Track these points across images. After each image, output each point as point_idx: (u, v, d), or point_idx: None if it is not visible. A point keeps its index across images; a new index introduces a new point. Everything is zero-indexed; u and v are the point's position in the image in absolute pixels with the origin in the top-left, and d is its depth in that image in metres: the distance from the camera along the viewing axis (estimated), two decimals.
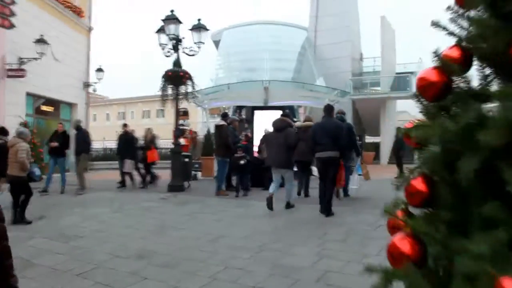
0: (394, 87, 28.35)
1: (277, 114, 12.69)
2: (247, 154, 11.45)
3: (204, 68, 28.13)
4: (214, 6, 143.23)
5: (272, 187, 8.74)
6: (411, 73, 28.00)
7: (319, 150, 7.99)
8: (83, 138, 11.65)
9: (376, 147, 29.35)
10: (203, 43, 12.08)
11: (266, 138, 9.83)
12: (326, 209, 7.84)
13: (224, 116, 12.17)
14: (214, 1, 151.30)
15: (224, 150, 11.05)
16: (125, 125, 13.13)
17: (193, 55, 12.05)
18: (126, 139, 12.72)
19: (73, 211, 8.77)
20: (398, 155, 16.06)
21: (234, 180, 11.82)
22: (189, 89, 12.00)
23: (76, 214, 8.44)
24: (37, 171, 8.28)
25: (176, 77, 11.57)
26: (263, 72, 22.00)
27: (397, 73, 29.82)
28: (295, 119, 21.54)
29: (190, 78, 11.81)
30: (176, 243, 6.17)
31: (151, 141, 13.08)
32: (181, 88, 11.97)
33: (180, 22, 11.67)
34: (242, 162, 11.04)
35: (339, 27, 28.75)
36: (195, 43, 12.03)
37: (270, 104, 16.20)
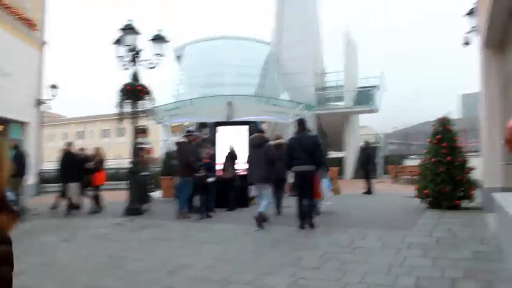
0: (357, 101, 28.37)
1: (242, 130, 12.20)
2: (209, 172, 10.78)
3: (165, 84, 27.42)
4: (176, 21, 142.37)
5: (260, 205, 8.72)
6: (374, 87, 28.18)
7: (296, 164, 8.06)
8: (19, 159, 10.66)
9: (340, 162, 29.11)
10: (163, 55, 11.40)
11: (248, 155, 9.65)
12: (309, 223, 7.95)
13: (187, 133, 11.48)
14: (176, 16, 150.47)
15: (186, 169, 10.33)
16: (69, 144, 12.07)
17: (152, 67, 11.34)
18: (68, 160, 11.66)
19: (14, 242, 7.79)
20: (367, 169, 15.68)
21: (196, 200, 11.09)
22: (148, 105, 11.22)
23: (18, 245, 7.48)
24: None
25: (133, 92, 10.82)
26: (226, 88, 21.51)
27: (359, 87, 29.94)
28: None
29: (148, 92, 11.07)
30: (130, 277, 5.40)
31: (100, 162, 12.11)
32: (140, 104, 11.20)
33: (138, 33, 10.96)
34: (210, 180, 10.39)
35: (302, 41, 28.70)
36: (154, 55, 11.33)
37: (234, 120, 15.63)
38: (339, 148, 30.77)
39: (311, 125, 28.44)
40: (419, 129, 77.00)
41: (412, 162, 23.07)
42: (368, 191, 15.38)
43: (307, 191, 8.09)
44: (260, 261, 5.90)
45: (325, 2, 63.60)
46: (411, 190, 10.41)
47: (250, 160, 9.36)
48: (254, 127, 18.46)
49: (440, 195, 9.53)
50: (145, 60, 11.26)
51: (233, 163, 11.13)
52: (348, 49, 28.65)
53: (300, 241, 6.96)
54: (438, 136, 10.06)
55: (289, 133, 19.13)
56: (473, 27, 11.78)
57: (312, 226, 7.93)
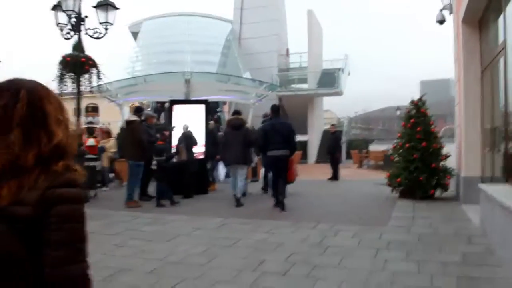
0: (321, 83, 27.61)
1: (200, 109, 11.14)
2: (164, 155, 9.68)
3: (122, 61, 25.76)
4: None
5: (234, 186, 9.13)
6: (338, 69, 27.50)
7: (271, 149, 8.40)
8: None
9: (303, 146, 28.41)
10: (111, 23, 10.09)
11: (225, 136, 9.57)
12: (279, 201, 8.35)
13: (138, 110, 10.26)
14: None
15: (136, 152, 9.18)
16: None
17: (98, 37, 10.02)
18: None
19: None
20: (334, 157, 14.84)
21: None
22: (94, 80, 9.95)
23: None
24: None
25: (76, 64, 9.48)
26: (185, 66, 20.12)
27: (324, 70, 29.21)
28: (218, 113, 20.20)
29: (94, 65, 9.77)
30: None
31: None
32: (85, 79, 9.89)
33: None
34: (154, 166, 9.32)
35: (265, 20, 27.62)
36: (101, 23, 10.02)
37: (193, 98, 14.51)
38: (302, 131, 30.07)
39: (278, 105, 27.49)
40: (378, 114, 78.01)
41: (376, 147, 22.68)
42: (335, 177, 14.66)
43: (282, 174, 8.49)
44: (215, 264, 4.92)
45: None
46: (377, 176, 9.73)
47: (226, 141, 9.34)
48: (214, 106, 17.53)
49: (414, 183, 8.82)
50: (91, 29, 9.93)
51: (189, 146, 10.05)
52: (312, 30, 27.77)
53: (263, 239, 6.01)
54: (412, 120, 9.32)
55: (250, 114, 18.22)
56: (447, 4, 11.07)
57: (283, 208, 8.20)
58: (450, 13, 10.52)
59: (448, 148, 9.67)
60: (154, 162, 9.30)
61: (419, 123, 9.21)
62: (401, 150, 9.30)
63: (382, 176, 9.73)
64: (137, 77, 15.88)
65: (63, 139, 1.25)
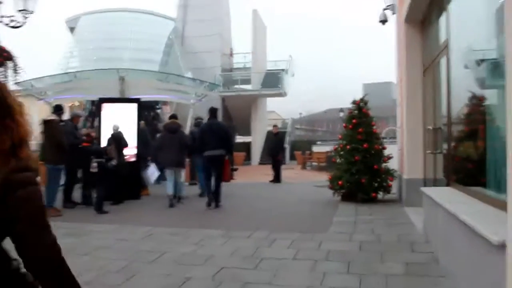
0: (265, 84, 27.26)
1: (131, 107, 10.39)
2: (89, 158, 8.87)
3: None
4: None
5: (170, 187, 9.07)
6: (282, 70, 27.26)
7: (208, 149, 8.68)
8: None
9: (247, 147, 28.00)
10: (30, 12, 9.12)
11: (161, 139, 9.65)
12: (216, 201, 8.69)
13: (57, 109, 9.31)
14: None
15: (55, 154, 8.30)
16: None
17: (15, 27, 9.04)
18: None
19: None
20: (277, 158, 14.41)
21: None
22: (10, 75, 8.92)
23: None
24: None
25: None
26: (124, 63, 19.08)
27: (268, 70, 28.91)
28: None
29: (10, 58, 8.75)
30: None
31: None
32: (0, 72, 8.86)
33: None
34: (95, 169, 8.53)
35: (209, 19, 26.94)
36: (19, 11, 9.04)
37: (130, 97, 13.67)
38: (246, 132, 29.64)
39: (216, 107, 26.89)
40: (322, 116, 79.18)
41: (320, 148, 22.61)
42: (276, 179, 14.25)
43: (216, 173, 8.78)
44: (132, 284, 4.27)
45: None
46: (320, 177, 9.40)
47: (162, 145, 9.41)
48: (152, 105, 16.68)
49: (355, 186, 8.50)
50: (6, 17, 8.93)
51: (119, 147, 9.24)
52: (256, 30, 27.37)
53: (191, 251, 5.39)
54: (354, 120, 9.02)
55: (189, 114, 17.53)
56: (390, 4, 10.92)
57: (217, 204, 8.64)
58: (393, 13, 10.35)
59: (390, 150, 9.46)
60: (95, 165, 8.54)
61: (361, 124, 8.93)
62: (342, 152, 8.97)
63: (324, 178, 9.37)
64: (67, 73, 14.71)
65: (27, 127, 1.43)
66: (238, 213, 8.22)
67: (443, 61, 6.49)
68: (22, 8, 9.02)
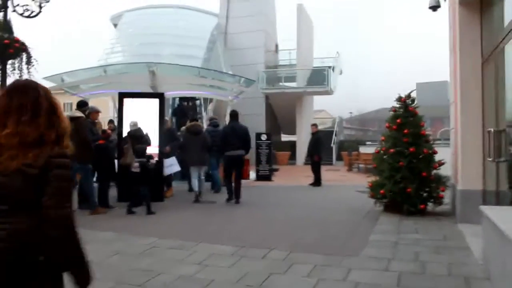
0: (311, 82, 26.04)
1: (152, 103, 9.65)
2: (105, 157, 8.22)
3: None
4: None
5: (196, 184, 9.69)
6: (329, 67, 25.95)
7: (229, 150, 9.38)
8: None
9: (291, 146, 26.91)
10: (46, 1, 8.55)
11: (185, 140, 10.19)
12: (236, 197, 9.40)
13: (81, 105, 8.70)
14: None
15: (82, 152, 7.62)
16: None
17: (29, 16, 8.49)
18: None
19: None
20: (313, 160, 13.26)
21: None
22: (25, 67, 8.40)
23: None
24: None
25: (0, 46, 7.93)
26: (166, 59, 18.48)
27: (314, 68, 27.66)
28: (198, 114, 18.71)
29: (22, 49, 8.22)
30: None
31: None
32: (14, 64, 8.36)
33: None
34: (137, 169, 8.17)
35: (252, 14, 26.08)
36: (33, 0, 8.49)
37: (166, 93, 13.01)
38: (291, 131, 28.57)
39: (260, 105, 26.19)
40: (374, 116, 76.69)
41: (367, 149, 21.16)
42: (316, 183, 13.13)
43: (237, 171, 9.52)
44: None
45: None
46: (366, 181, 8.28)
47: (187, 145, 9.90)
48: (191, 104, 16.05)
49: (400, 196, 7.30)
50: (20, 6, 8.38)
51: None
52: (302, 26, 26.15)
53: (190, 274, 4.44)
54: (398, 120, 7.79)
55: (227, 112, 16.69)
56: None
57: (238, 200, 9.36)
58: None
59: (444, 154, 8.15)
60: (136, 164, 8.09)
61: (407, 124, 7.69)
62: (385, 156, 7.77)
63: (370, 180, 8.22)
64: (97, 67, 14.13)
65: (67, 123, 1.91)
66: (259, 224, 7.20)
67: (509, 48, 5.26)
68: None
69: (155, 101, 9.55)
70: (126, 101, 9.48)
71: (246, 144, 9.46)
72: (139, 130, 8.52)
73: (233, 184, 9.51)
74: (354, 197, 10.24)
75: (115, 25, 26.63)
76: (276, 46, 29.45)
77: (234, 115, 9.94)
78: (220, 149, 9.82)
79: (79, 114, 8.12)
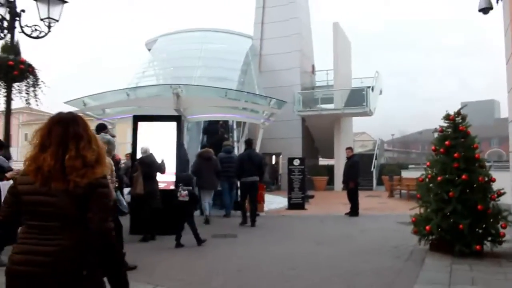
0: (349, 103, 24.84)
1: (170, 126, 8.87)
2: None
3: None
4: (154, 13, 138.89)
5: (207, 208, 10.47)
6: (368, 87, 24.72)
7: (245, 176, 10.03)
8: None
9: (329, 170, 25.63)
10: (56, 20, 8.00)
11: (198, 165, 10.60)
12: (252, 220, 9.87)
13: (100, 129, 8.00)
14: (154, 8, 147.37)
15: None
16: None
17: (38, 37, 7.94)
18: None
19: None
20: (349, 187, 12.07)
21: None
22: (32, 89, 7.83)
23: None
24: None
25: (4, 67, 7.38)
26: (200, 82, 17.92)
27: (352, 88, 26.48)
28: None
29: (28, 71, 7.65)
30: None
31: None
32: (21, 87, 7.80)
33: None
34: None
35: (287, 35, 25.41)
36: (41, 19, 7.95)
37: (189, 117, 12.29)
38: (329, 154, 27.34)
39: (296, 128, 25.21)
40: (417, 137, 73.98)
41: (410, 173, 19.68)
42: (353, 212, 11.92)
43: (253, 196, 10.10)
44: None
45: None
46: (408, 209, 7.09)
47: (199, 170, 10.39)
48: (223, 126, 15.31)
49: (450, 233, 6.09)
50: (28, 26, 7.85)
51: (148, 174, 7.67)
52: (338, 45, 25.13)
53: None
54: (447, 142, 6.61)
55: (259, 136, 15.87)
56: None
57: (254, 225, 9.80)
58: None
59: (501, 180, 6.83)
60: (185, 193, 7.46)
61: (457, 146, 6.51)
62: (431, 185, 6.59)
63: (414, 211, 6.99)
64: (116, 90, 13.61)
65: (103, 148, 2.18)
66: (271, 270, 6.06)
67: None
68: (45, 16, 7.89)
69: (171, 125, 8.76)
70: (141, 124, 8.73)
71: (260, 171, 10.20)
72: (150, 156, 7.72)
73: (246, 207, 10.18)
74: (394, 230, 9.01)
75: (150, 50, 26.58)
76: (313, 66, 28.57)
77: (249, 143, 10.90)
78: (237, 175, 10.44)
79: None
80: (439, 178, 6.38)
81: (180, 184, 7.57)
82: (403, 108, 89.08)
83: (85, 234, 1.93)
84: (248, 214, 10.07)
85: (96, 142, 2.11)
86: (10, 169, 6.24)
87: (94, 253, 1.96)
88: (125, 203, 9.72)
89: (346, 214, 11.94)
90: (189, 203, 7.54)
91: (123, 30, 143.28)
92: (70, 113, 2.18)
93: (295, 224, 10.64)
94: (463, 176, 6.17)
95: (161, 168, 7.87)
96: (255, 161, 10.13)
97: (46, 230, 1.93)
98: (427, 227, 6.28)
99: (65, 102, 12.03)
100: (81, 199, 1.94)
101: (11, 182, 5.71)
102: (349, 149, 12.48)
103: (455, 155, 6.38)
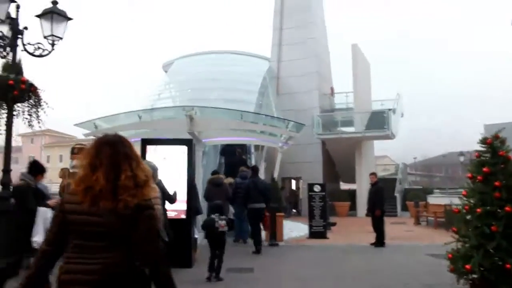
0: (370, 126, 24.09)
1: (180, 149, 8.33)
2: None
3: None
4: (170, 35, 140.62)
5: None
6: (389, 110, 23.98)
7: (251, 202, 10.32)
8: None
9: (351, 195, 24.70)
10: (60, 38, 7.61)
11: (208, 192, 10.60)
12: (257, 244, 9.98)
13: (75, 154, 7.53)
14: (170, 30, 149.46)
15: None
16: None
17: (41, 55, 7.54)
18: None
19: None
20: (374, 216, 11.28)
21: None
22: (34, 111, 7.40)
23: None
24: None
25: (3, 87, 6.95)
26: (208, 103, 17.49)
27: (373, 111, 25.75)
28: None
29: (31, 91, 7.22)
30: None
31: None
32: (23, 108, 7.38)
33: (12, 1, 7.18)
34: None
35: (305, 57, 25.01)
36: (45, 37, 7.56)
37: (205, 140, 11.77)
38: (350, 179, 26.50)
39: (315, 151, 24.50)
40: (440, 160, 72.24)
41: (437, 200, 18.74)
42: (379, 242, 11.10)
43: (259, 222, 10.53)
44: None
45: (334, 15, 59.88)
46: (437, 238, 6.34)
47: (209, 196, 10.35)
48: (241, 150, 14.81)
49: (495, 273, 5.32)
50: (31, 44, 7.46)
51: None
52: (358, 66, 24.57)
53: None
54: (485, 169, 5.87)
55: (277, 160, 15.26)
56: None
57: (259, 251, 9.84)
58: None
59: None
60: (223, 222, 6.93)
61: (497, 173, 5.77)
62: (468, 217, 5.84)
63: (443, 239, 6.22)
64: (129, 112, 13.14)
65: (148, 170, 2.20)
66: None
67: None
68: (49, 34, 7.50)
69: (182, 149, 8.21)
70: (150, 148, 8.20)
71: (266, 198, 10.42)
72: (159, 183, 7.15)
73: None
74: (425, 264, 8.22)
75: (166, 72, 26.45)
76: (332, 89, 28.02)
77: (255, 170, 11.24)
78: (243, 203, 10.57)
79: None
80: (478, 210, 5.63)
81: (216, 214, 7.03)
82: (425, 130, 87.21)
83: (130, 253, 1.98)
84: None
85: (143, 164, 2.17)
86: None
87: (140, 272, 2.02)
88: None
89: (371, 244, 11.15)
90: (224, 233, 7.07)
91: (139, 57, 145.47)
92: (116, 135, 2.24)
93: (315, 255, 9.90)
94: (507, 208, 5.42)
95: (170, 198, 7.28)
96: (260, 188, 10.40)
97: (92, 249, 1.97)
98: (467, 266, 5.51)
99: (75, 125, 11.67)
100: (128, 220, 1.97)
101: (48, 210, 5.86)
102: (373, 174, 11.74)
103: (496, 183, 5.64)
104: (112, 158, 2.05)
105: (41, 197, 6.21)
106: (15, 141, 7.70)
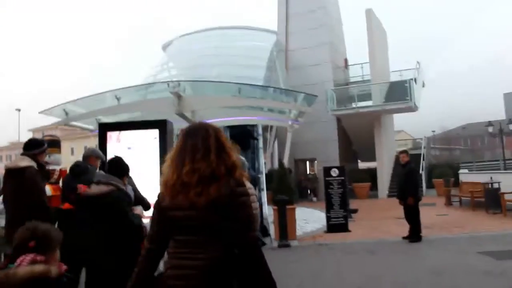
0: (389, 98, 21.82)
1: (151, 134, 6.36)
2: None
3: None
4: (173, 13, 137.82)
5: None
6: (411, 79, 21.64)
7: None
8: None
9: (372, 175, 22.58)
10: None
11: None
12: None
13: (33, 147, 5.50)
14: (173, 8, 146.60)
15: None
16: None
17: None
18: None
19: None
20: (406, 204, 9.05)
21: None
22: None
23: None
24: None
25: None
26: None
27: (391, 82, 23.44)
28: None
29: None
30: None
31: None
32: None
33: None
34: None
35: (315, 27, 22.77)
36: None
37: (200, 120, 9.73)
38: (370, 157, 24.40)
39: (330, 129, 22.42)
40: (460, 133, 69.23)
41: (471, 177, 16.56)
42: (414, 235, 9.02)
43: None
44: None
45: None
46: (481, 224, 4.44)
47: None
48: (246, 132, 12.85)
49: None
50: None
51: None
52: (373, 35, 22.20)
53: None
54: None
55: (288, 141, 13.20)
56: None
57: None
58: None
59: None
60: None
61: None
62: None
63: (491, 223, 4.20)
64: (103, 93, 10.99)
65: (235, 157, 2.06)
66: None
67: None
68: None
69: (155, 133, 6.20)
70: (111, 135, 6.23)
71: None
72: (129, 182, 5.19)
73: None
74: (479, 270, 6.16)
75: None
76: (346, 60, 25.74)
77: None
78: None
79: (25, 163, 4.89)
80: None
81: None
82: (443, 102, 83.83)
83: (230, 244, 1.95)
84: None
85: (229, 149, 2.07)
86: None
87: (242, 265, 1.96)
88: None
89: (404, 238, 9.08)
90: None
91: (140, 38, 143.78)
92: (199, 123, 2.17)
93: (336, 259, 7.78)
94: None
95: (145, 201, 5.30)
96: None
97: (192, 244, 1.96)
98: None
99: (40, 112, 9.71)
100: (223, 210, 1.93)
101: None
102: (405, 153, 9.43)
103: None
104: (195, 150, 2.00)
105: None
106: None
